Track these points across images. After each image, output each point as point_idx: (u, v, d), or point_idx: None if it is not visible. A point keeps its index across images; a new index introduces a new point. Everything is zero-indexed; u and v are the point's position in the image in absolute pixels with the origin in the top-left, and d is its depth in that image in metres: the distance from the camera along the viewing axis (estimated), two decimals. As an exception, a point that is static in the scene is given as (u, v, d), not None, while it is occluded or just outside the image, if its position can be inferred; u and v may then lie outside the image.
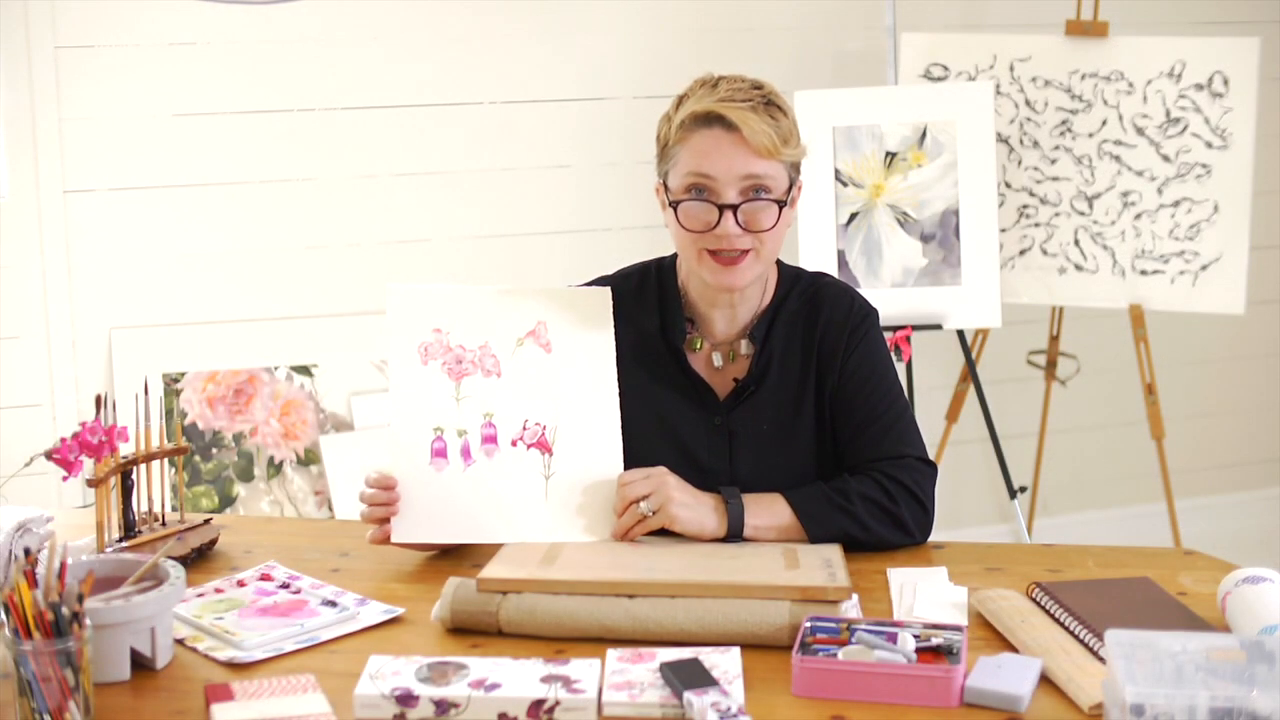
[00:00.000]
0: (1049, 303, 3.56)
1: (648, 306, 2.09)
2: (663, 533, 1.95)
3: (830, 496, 1.95)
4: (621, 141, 3.54)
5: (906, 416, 2.06)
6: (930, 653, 1.58)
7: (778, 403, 2.05)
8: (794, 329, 2.07)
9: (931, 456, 2.07)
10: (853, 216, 3.33)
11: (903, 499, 1.96)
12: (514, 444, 1.96)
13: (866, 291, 2.11)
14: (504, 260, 3.54)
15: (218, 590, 1.84)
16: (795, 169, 2.00)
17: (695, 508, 1.91)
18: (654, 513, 1.90)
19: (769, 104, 1.96)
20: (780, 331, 2.07)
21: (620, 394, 1.99)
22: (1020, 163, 3.50)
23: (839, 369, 2.04)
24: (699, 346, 2.09)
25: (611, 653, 1.61)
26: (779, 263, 2.12)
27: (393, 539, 1.92)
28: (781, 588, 1.69)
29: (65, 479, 1.93)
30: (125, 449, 1.96)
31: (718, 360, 2.08)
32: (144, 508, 2.01)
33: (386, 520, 1.92)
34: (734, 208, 1.94)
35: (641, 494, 1.90)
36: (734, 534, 1.92)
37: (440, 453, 1.94)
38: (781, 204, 1.96)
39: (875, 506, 1.94)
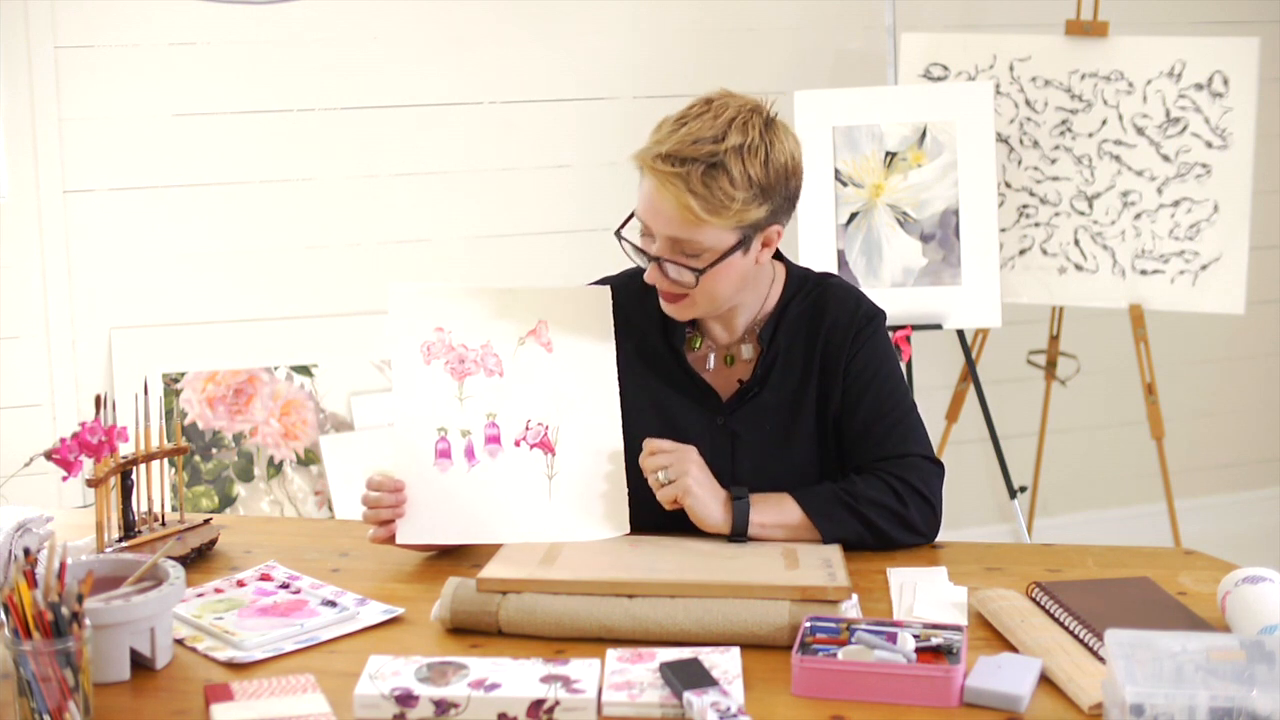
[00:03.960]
0: (1049, 303, 3.56)
1: (651, 308, 2.09)
2: (663, 530, 1.95)
3: (840, 496, 1.94)
4: (621, 141, 3.50)
5: (912, 416, 2.06)
6: (930, 653, 1.58)
7: (781, 405, 2.05)
8: (798, 331, 2.06)
9: (933, 456, 2.06)
10: (853, 216, 3.33)
11: (911, 500, 1.96)
12: (517, 444, 1.96)
13: (867, 291, 2.11)
14: (504, 260, 3.54)
15: (218, 590, 1.84)
16: (751, 227, 1.92)
17: (708, 495, 1.91)
18: (669, 482, 1.90)
19: (712, 167, 1.86)
20: (785, 334, 2.06)
21: (623, 394, 1.99)
22: (1020, 163, 3.50)
23: (843, 371, 2.04)
24: (698, 346, 2.09)
25: (611, 653, 1.61)
26: (787, 264, 2.12)
27: (398, 540, 1.92)
28: (781, 588, 1.69)
29: (65, 479, 1.93)
30: (125, 449, 1.96)
31: (711, 364, 2.08)
32: (144, 508, 2.00)
33: (390, 521, 1.92)
34: (658, 260, 1.94)
35: (662, 465, 1.91)
36: (738, 532, 1.91)
37: (444, 453, 1.94)
38: (698, 271, 1.91)
39: (884, 509, 1.94)
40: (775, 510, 1.94)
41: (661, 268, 1.95)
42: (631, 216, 1.98)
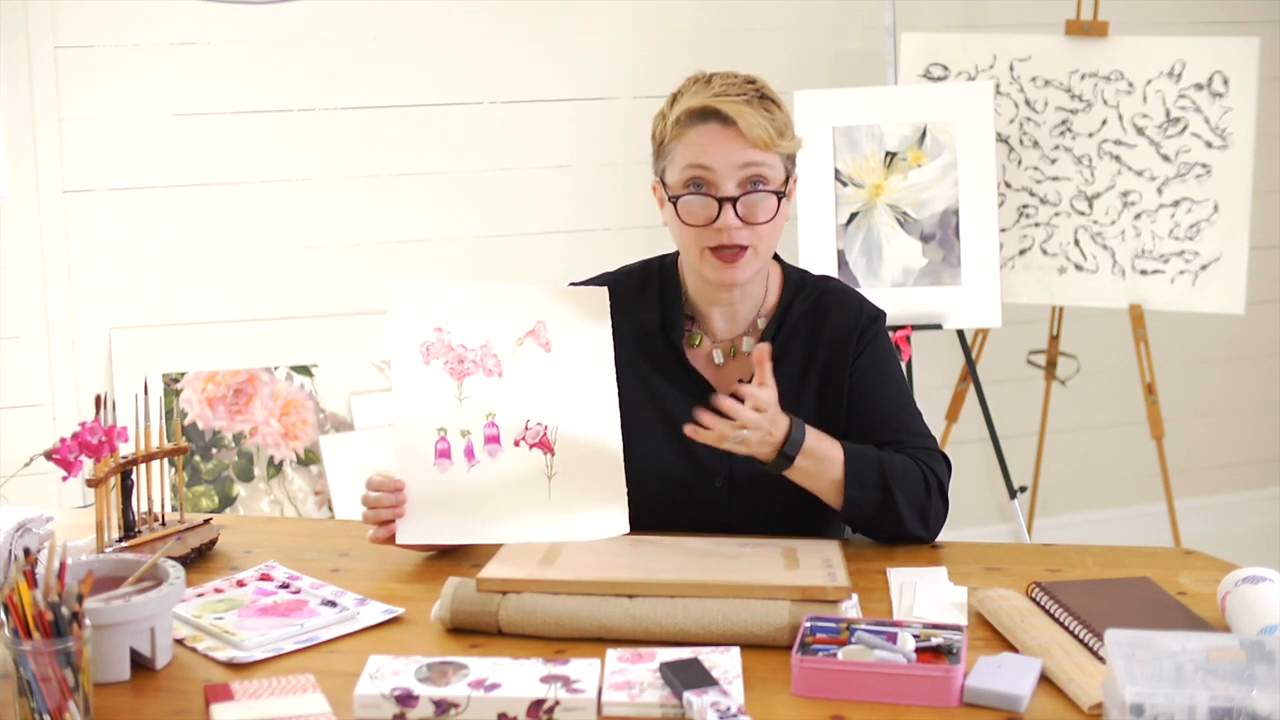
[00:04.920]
0: (1049, 303, 3.56)
1: (649, 303, 2.10)
2: (662, 530, 1.96)
3: (880, 469, 1.94)
4: (621, 141, 3.54)
5: (920, 415, 2.08)
6: (930, 653, 1.58)
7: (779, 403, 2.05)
8: (798, 332, 2.07)
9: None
10: (853, 216, 3.33)
11: (934, 497, 1.98)
12: (517, 444, 1.96)
13: (866, 291, 2.12)
14: (504, 260, 3.54)
15: (218, 590, 1.84)
16: (791, 161, 2.01)
17: (764, 449, 1.89)
18: (742, 444, 1.88)
19: (763, 97, 1.98)
20: (786, 334, 2.07)
21: (622, 390, 1.99)
22: (1020, 163, 3.50)
23: (849, 371, 2.05)
24: (698, 342, 2.09)
25: (611, 653, 1.61)
26: (783, 264, 2.12)
27: (398, 540, 1.92)
28: (781, 588, 1.69)
29: (65, 479, 1.93)
30: (125, 449, 1.96)
31: (718, 358, 2.08)
32: (144, 508, 2.00)
33: (390, 521, 1.92)
34: (733, 200, 1.95)
35: (751, 428, 1.86)
36: (773, 474, 1.92)
37: (444, 453, 1.94)
38: (780, 195, 1.97)
39: (913, 497, 1.95)
40: (817, 463, 1.92)
41: (735, 209, 1.95)
42: (664, 187, 2.01)
